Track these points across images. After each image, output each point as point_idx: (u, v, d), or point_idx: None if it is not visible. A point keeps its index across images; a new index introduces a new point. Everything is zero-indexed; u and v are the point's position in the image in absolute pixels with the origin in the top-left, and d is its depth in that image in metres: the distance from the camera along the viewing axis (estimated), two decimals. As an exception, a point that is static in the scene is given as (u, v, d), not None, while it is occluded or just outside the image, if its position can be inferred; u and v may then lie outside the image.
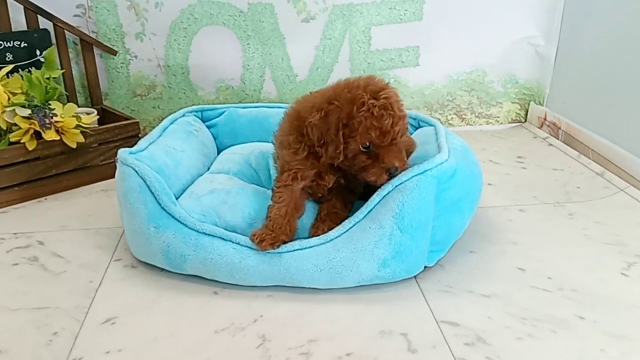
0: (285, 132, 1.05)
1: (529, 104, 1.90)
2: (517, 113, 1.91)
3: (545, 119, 1.82)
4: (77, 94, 1.65)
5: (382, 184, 0.98)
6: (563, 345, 0.87)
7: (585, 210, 1.30)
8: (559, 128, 1.75)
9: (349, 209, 1.06)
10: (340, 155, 0.96)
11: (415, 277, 1.03)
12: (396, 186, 0.96)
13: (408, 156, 1.10)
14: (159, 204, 1.00)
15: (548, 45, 1.79)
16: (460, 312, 0.94)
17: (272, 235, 0.98)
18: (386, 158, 0.95)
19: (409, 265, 0.99)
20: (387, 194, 0.97)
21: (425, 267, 1.04)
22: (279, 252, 0.98)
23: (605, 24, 1.55)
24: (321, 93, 1.00)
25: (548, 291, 1.00)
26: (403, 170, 0.97)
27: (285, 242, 0.99)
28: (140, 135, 1.51)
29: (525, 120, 1.92)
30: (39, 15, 1.51)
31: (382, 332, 0.89)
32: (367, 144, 0.95)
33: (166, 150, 1.16)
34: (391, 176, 0.96)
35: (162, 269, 1.05)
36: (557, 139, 1.75)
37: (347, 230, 0.98)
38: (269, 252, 0.97)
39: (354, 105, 0.93)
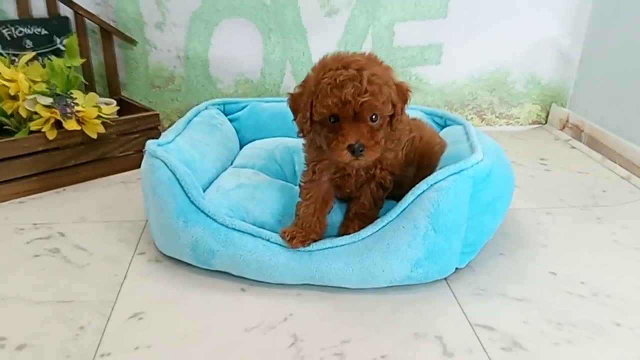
0: None
1: (550, 106, 1.87)
2: (537, 114, 1.89)
3: (567, 121, 1.80)
4: (96, 84, 1.62)
5: (357, 167, 0.94)
6: (602, 352, 0.85)
7: (612, 214, 1.28)
8: (582, 130, 1.72)
9: (380, 207, 1.04)
10: (307, 124, 0.92)
11: (446, 278, 1.01)
12: (431, 185, 0.94)
13: (420, 157, 1.07)
14: (189, 198, 0.98)
15: (573, 45, 1.77)
16: (494, 316, 0.92)
17: (302, 233, 0.96)
18: (346, 132, 0.87)
19: (442, 266, 0.97)
20: (421, 193, 0.95)
21: (456, 268, 1.02)
22: (309, 250, 0.96)
23: (634, 23, 1.52)
24: None
25: (583, 296, 0.98)
26: (373, 150, 0.88)
27: (315, 241, 0.97)
28: (159, 127, 1.48)
29: (546, 122, 1.90)
30: (59, 2, 1.49)
31: (416, 335, 0.87)
32: (328, 114, 0.88)
33: (192, 143, 1.14)
34: (356, 155, 0.87)
35: (187, 264, 1.03)
36: (580, 141, 1.72)
37: (379, 229, 0.96)
38: (299, 250, 0.96)
39: (322, 72, 0.90)
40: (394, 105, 0.92)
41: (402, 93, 0.95)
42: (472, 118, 1.86)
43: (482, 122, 1.87)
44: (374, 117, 0.89)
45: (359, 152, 0.87)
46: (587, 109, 1.73)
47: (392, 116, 0.93)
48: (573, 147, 1.70)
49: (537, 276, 1.04)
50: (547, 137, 1.81)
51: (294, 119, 0.96)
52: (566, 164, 1.58)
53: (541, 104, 1.87)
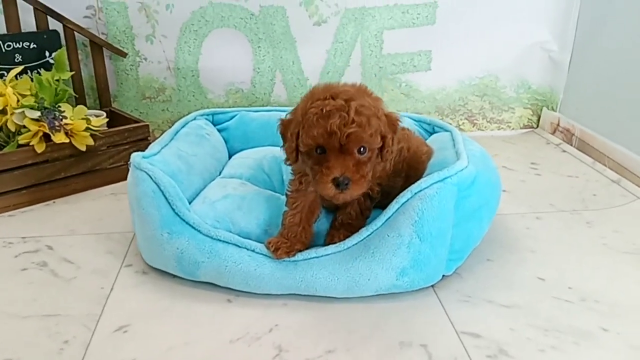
0: None
1: (541, 110, 1.88)
2: (529, 119, 1.89)
3: (558, 125, 1.80)
4: (86, 97, 1.63)
5: (342, 201, 0.92)
6: (587, 357, 0.84)
7: (602, 218, 1.28)
8: (573, 134, 1.72)
9: (367, 217, 1.04)
10: (293, 154, 0.92)
11: (433, 286, 1.01)
12: (415, 193, 0.94)
13: (416, 170, 1.07)
14: (173, 210, 0.98)
15: (562, 51, 1.78)
16: (481, 323, 0.92)
17: (288, 244, 0.96)
18: (332, 164, 0.86)
19: (428, 274, 0.97)
20: (406, 202, 0.95)
21: (443, 276, 1.02)
22: (294, 260, 0.96)
23: (621, 29, 1.53)
24: None
25: (570, 302, 0.97)
26: (359, 184, 0.87)
27: (301, 251, 0.97)
28: (149, 138, 1.49)
29: (537, 126, 1.90)
30: (48, 16, 1.50)
31: (401, 343, 0.87)
32: (314, 145, 0.87)
33: (179, 154, 1.14)
34: (341, 189, 0.86)
35: (174, 276, 1.03)
36: (571, 145, 1.72)
37: (364, 238, 0.96)
38: (284, 260, 0.96)
39: (310, 102, 0.89)
40: (383, 137, 0.90)
41: (392, 124, 0.93)
42: (463, 123, 1.86)
43: (473, 127, 1.87)
44: (361, 149, 0.87)
45: (344, 185, 0.85)
46: (578, 112, 1.73)
47: (381, 147, 0.92)
48: (564, 151, 1.71)
49: (524, 282, 1.04)
50: (538, 141, 1.81)
51: (283, 146, 0.96)
52: (557, 167, 1.58)
53: (532, 108, 1.88)
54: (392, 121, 0.94)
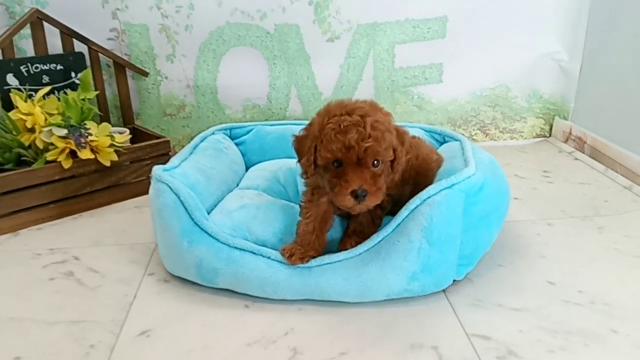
0: None
1: (553, 119, 1.90)
2: (541, 128, 1.91)
3: (570, 133, 1.82)
4: (110, 114, 1.70)
5: (358, 211, 0.96)
6: (596, 359, 0.86)
7: (614, 224, 1.29)
8: (585, 142, 1.74)
9: (378, 225, 1.07)
10: (311, 167, 0.96)
11: (444, 290, 1.04)
12: (424, 200, 0.98)
13: (424, 179, 1.10)
14: (192, 220, 1.02)
15: (572, 60, 1.80)
16: (491, 326, 0.94)
17: (301, 250, 1.00)
18: (350, 177, 0.90)
19: (438, 278, 1.00)
20: (415, 208, 0.98)
21: (454, 280, 1.04)
22: (308, 267, 0.99)
23: (630, 37, 1.55)
24: None
25: (580, 305, 0.99)
26: (375, 195, 0.91)
27: (314, 257, 1.00)
28: (170, 153, 1.54)
29: (550, 135, 1.92)
30: (74, 39, 1.57)
31: (412, 346, 0.90)
32: (332, 159, 0.91)
33: (198, 167, 1.19)
34: (359, 201, 0.90)
35: (194, 283, 1.07)
36: (583, 153, 1.74)
37: (375, 244, 0.99)
38: (299, 266, 0.99)
39: (327, 117, 0.93)
40: (394, 150, 0.96)
41: (400, 137, 0.98)
42: (476, 134, 1.88)
43: (486, 137, 1.89)
44: (375, 162, 0.92)
45: (362, 197, 0.90)
46: (589, 121, 1.75)
47: (392, 160, 0.97)
48: (576, 159, 1.72)
49: (535, 286, 1.05)
50: (551, 149, 1.82)
51: (298, 161, 1.00)
52: (569, 175, 1.59)
53: (544, 118, 1.90)
54: (400, 135, 0.99)
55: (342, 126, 0.90)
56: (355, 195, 0.90)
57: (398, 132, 0.98)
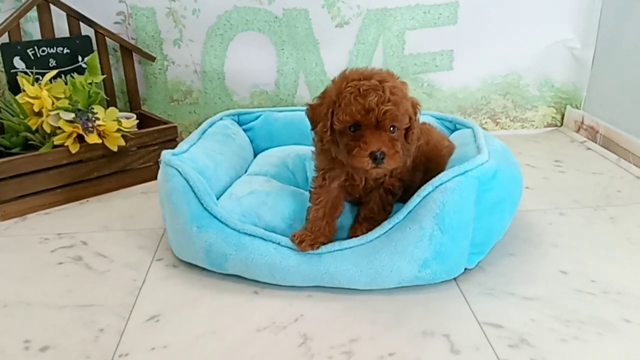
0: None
1: (565, 108, 1.87)
2: (553, 117, 1.89)
3: (582, 122, 1.79)
4: (117, 100, 1.69)
5: (375, 176, 0.97)
6: (609, 347, 0.85)
7: (627, 214, 1.27)
8: (597, 132, 1.72)
9: (388, 212, 1.06)
10: (327, 133, 0.95)
11: (455, 279, 1.03)
12: (436, 187, 0.96)
13: (432, 159, 1.09)
14: (202, 204, 1.01)
15: (585, 48, 1.77)
16: (503, 315, 0.93)
17: (312, 236, 0.99)
18: (368, 140, 0.90)
19: (450, 266, 0.99)
20: (427, 195, 0.97)
21: (465, 269, 1.03)
22: (318, 253, 0.98)
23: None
24: None
25: (592, 294, 0.98)
26: (393, 158, 0.91)
27: (324, 243, 1.00)
28: (177, 139, 1.53)
29: (562, 124, 1.89)
30: (81, 23, 1.55)
31: (424, 333, 0.89)
32: (352, 122, 0.91)
33: (206, 152, 1.18)
34: (377, 163, 0.90)
35: (203, 269, 1.06)
36: (596, 142, 1.72)
37: (386, 231, 0.98)
38: (309, 253, 0.98)
39: (345, 82, 0.93)
40: (410, 118, 0.95)
41: (414, 107, 0.98)
42: (486, 122, 1.86)
43: (496, 126, 1.87)
44: (392, 127, 0.92)
45: (380, 159, 0.90)
46: (602, 110, 1.72)
47: (407, 129, 0.96)
48: (588, 149, 1.70)
49: (547, 275, 1.04)
50: (562, 139, 1.80)
51: (312, 129, 0.99)
52: (581, 165, 1.57)
53: (556, 107, 1.87)
54: (413, 104, 0.99)
55: (361, 90, 0.90)
56: (374, 157, 0.89)
57: (412, 101, 0.98)
